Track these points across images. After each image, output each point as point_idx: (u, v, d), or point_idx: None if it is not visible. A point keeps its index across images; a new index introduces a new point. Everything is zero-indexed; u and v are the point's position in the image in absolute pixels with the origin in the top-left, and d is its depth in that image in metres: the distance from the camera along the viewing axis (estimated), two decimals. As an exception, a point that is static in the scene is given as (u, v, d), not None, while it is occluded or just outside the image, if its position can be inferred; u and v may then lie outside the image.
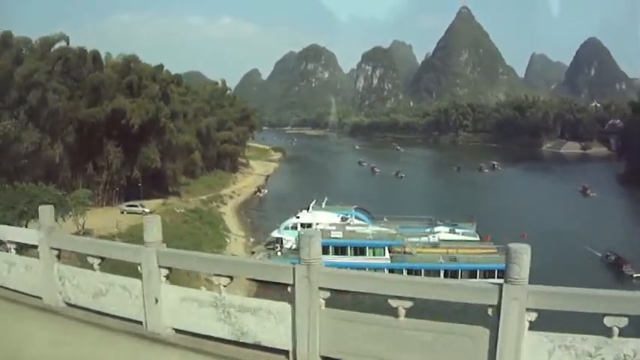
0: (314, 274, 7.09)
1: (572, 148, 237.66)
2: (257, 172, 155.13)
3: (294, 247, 67.15)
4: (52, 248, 9.62)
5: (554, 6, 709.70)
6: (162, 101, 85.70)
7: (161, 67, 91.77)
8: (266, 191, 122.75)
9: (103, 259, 9.15)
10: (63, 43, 78.67)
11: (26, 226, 45.40)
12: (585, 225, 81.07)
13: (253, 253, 68.22)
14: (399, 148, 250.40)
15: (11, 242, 10.44)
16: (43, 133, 71.92)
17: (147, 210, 75.96)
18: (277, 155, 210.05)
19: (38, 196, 52.10)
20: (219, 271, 7.95)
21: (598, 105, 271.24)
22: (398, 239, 64.45)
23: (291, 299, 7.32)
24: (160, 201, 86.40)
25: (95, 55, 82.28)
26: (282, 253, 65.20)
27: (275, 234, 70.33)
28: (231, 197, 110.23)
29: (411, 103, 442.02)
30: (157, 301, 8.30)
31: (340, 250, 62.21)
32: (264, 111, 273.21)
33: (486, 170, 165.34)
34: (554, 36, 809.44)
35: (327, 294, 7.20)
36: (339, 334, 7.14)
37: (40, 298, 9.84)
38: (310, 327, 7.18)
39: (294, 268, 7.21)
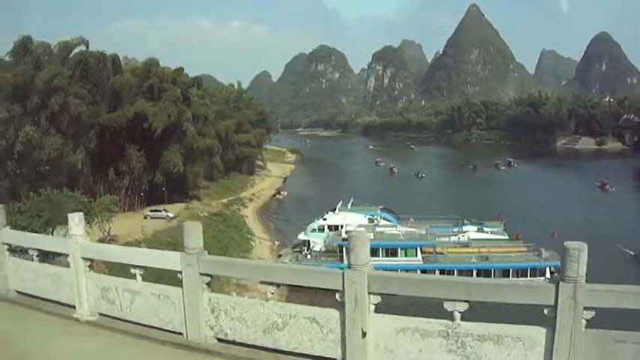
0: (581, 294, 6.02)
1: (586, 144, 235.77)
2: (274, 174, 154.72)
3: (323, 249, 66.16)
4: (202, 274, 8.13)
5: (564, 1, 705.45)
6: (184, 104, 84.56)
7: (181, 70, 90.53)
8: (285, 193, 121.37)
9: (278, 286, 7.74)
10: (82, 47, 77.73)
11: (52, 233, 44.73)
12: (609, 221, 79.80)
13: (280, 256, 67.06)
14: (412, 147, 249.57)
15: (136, 267, 8.96)
16: (65, 139, 71.11)
17: (171, 215, 75.24)
18: (293, 157, 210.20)
19: (64, 203, 51.25)
20: (455, 296, 6.62)
21: (612, 100, 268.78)
22: (429, 240, 63.20)
23: (548, 322, 6.27)
24: (182, 205, 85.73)
25: (114, 59, 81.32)
26: (311, 256, 63.98)
27: (301, 236, 69.18)
28: (251, 200, 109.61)
29: (423, 102, 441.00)
30: (364, 334, 6.92)
31: (372, 251, 60.85)
32: (275, 113, 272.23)
33: (503, 167, 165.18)
34: (563, 31, 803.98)
35: (592, 314, 6.16)
36: (606, 357, 6.13)
37: (180, 333, 8.37)
38: (571, 352, 6.14)
39: (557, 288, 6.12)
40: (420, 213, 73.86)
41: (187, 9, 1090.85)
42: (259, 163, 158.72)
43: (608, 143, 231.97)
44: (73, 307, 9.58)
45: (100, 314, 9.40)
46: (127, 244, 51.21)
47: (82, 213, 9.94)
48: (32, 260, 10.51)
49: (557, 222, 71.57)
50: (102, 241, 50.05)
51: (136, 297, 8.88)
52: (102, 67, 78.48)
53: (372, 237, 62.54)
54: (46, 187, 55.36)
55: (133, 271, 8.95)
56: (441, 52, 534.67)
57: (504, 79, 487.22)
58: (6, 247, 10.88)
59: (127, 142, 79.35)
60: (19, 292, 10.71)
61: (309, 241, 67.61)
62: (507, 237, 67.91)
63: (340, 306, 7.09)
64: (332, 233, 67.32)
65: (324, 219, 70.87)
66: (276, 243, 76.34)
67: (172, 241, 61.27)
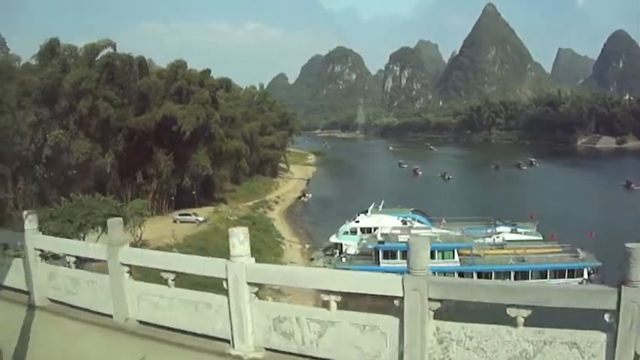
0: None
1: (607, 143, 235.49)
2: (297, 177, 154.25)
3: (357, 252, 64.78)
4: (430, 300, 6.68)
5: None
6: (212, 107, 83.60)
7: (208, 72, 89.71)
8: (310, 196, 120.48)
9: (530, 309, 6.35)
10: (109, 50, 76.85)
11: (83, 239, 43.77)
12: (637, 220, 77.96)
13: (312, 259, 65.77)
14: (432, 148, 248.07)
15: (328, 292, 7.38)
16: (93, 143, 70.30)
17: (200, 219, 74.32)
18: (314, 159, 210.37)
19: (96, 207, 50.33)
20: None
21: (632, 98, 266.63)
22: (466, 241, 61.86)
23: None
24: (210, 209, 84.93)
25: (141, 61, 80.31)
26: (345, 259, 62.62)
27: (333, 239, 68.03)
28: (276, 202, 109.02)
29: (441, 103, 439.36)
30: (637, 357, 5.84)
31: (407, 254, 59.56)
32: (295, 114, 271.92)
33: (524, 167, 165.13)
34: (580, 30, 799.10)
35: None
36: None
37: None
38: None
39: None
40: (448, 214, 72.96)
41: (202, 12, 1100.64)
42: (282, 165, 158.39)
43: (629, 142, 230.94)
44: (225, 340, 8.12)
45: (267, 349, 7.89)
46: (159, 248, 50.02)
47: (246, 228, 8.22)
48: (168, 285, 8.86)
49: (587, 221, 71.05)
50: (134, 246, 48.64)
51: (328, 328, 7.36)
52: (128, 70, 77.62)
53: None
54: (75, 192, 54.52)
55: (326, 297, 7.34)
56: (457, 52, 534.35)
57: (522, 79, 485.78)
58: (126, 268, 9.27)
59: (155, 145, 78.41)
60: (141, 322, 9.14)
61: (341, 244, 66.33)
62: (542, 238, 66.65)
63: (609, 328, 6.00)
64: (366, 236, 66.09)
65: (357, 221, 69.63)
66: (307, 246, 75.13)
67: (204, 245, 60.62)
